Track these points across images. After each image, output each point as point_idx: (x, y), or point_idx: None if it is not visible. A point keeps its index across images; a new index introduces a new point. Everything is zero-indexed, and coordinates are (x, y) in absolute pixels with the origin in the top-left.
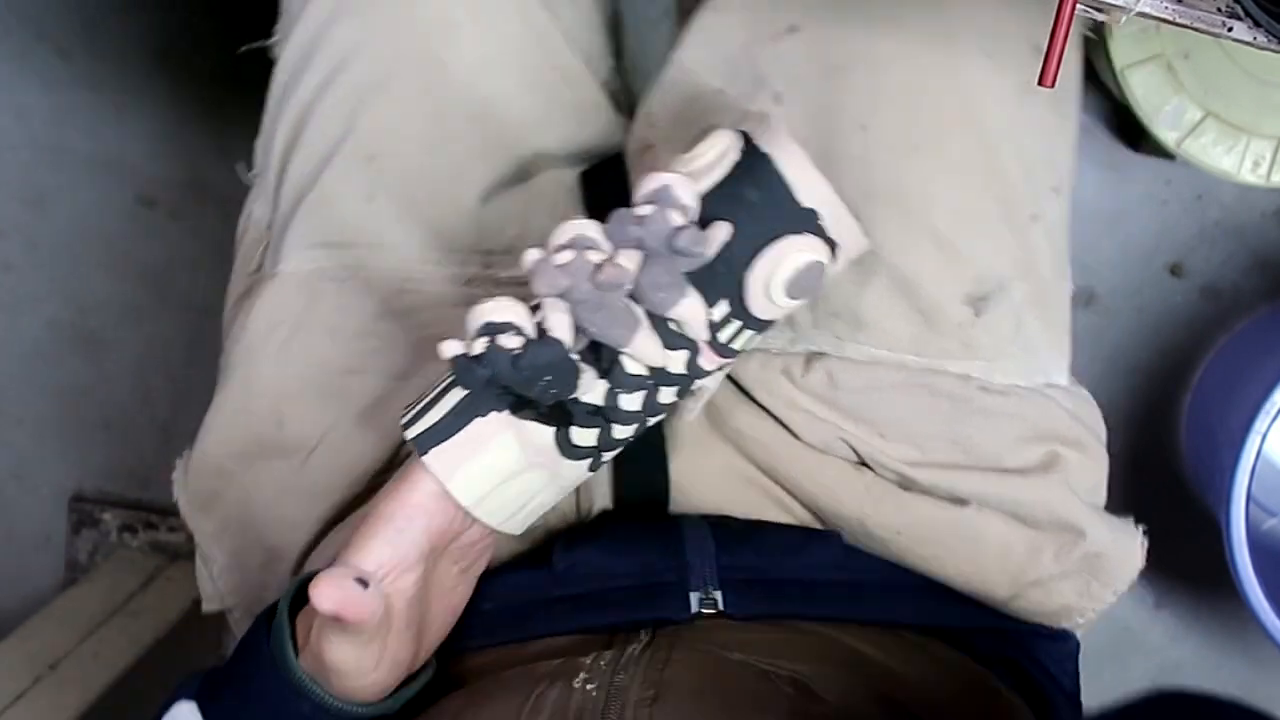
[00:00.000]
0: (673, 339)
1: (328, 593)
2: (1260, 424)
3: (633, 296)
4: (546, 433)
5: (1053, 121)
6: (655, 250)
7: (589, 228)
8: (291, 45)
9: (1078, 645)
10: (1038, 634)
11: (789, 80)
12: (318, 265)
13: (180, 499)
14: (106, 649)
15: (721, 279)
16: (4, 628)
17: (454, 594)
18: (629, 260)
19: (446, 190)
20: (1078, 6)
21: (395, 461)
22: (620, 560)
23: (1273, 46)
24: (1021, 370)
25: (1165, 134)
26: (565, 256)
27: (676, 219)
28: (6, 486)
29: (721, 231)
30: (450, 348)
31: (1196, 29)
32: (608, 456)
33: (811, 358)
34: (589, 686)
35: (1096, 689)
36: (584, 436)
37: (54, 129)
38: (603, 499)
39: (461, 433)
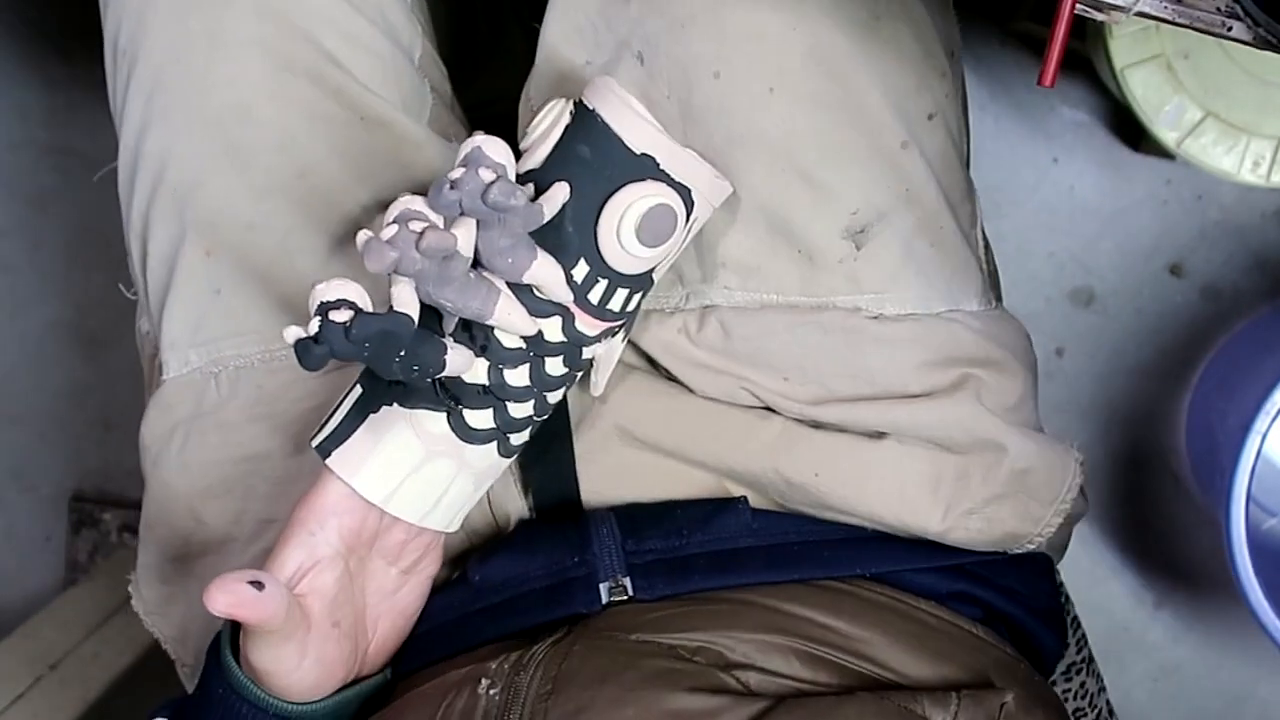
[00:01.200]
0: (538, 305)
1: (219, 597)
2: (1260, 424)
3: (484, 266)
4: (440, 419)
5: (916, 49)
6: (478, 211)
7: (413, 201)
8: (121, 161)
9: (1047, 561)
10: (998, 562)
11: (645, 40)
12: (192, 365)
13: (138, 609)
14: (106, 649)
15: (574, 238)
16: (4, 628)
17: (400, 597)
18: (464, 229)
19: (281, 267)
20: (1077, 6)
21: None
22: (531, 563)
23: (1273, 46)
24: (917, 299)
25: (1165, 134)
26: (390, 231)
27: (488, 176)
28: (6, 486)
29: (560, 191)
30: (291, 333)
31: (1196, 29)
32: (516, 439)
33: (705, 312)
34: (492, 691)
35: None
36: (479, 419)
37: (54, 129)
38: (518, 509)
39: (358, 431)
